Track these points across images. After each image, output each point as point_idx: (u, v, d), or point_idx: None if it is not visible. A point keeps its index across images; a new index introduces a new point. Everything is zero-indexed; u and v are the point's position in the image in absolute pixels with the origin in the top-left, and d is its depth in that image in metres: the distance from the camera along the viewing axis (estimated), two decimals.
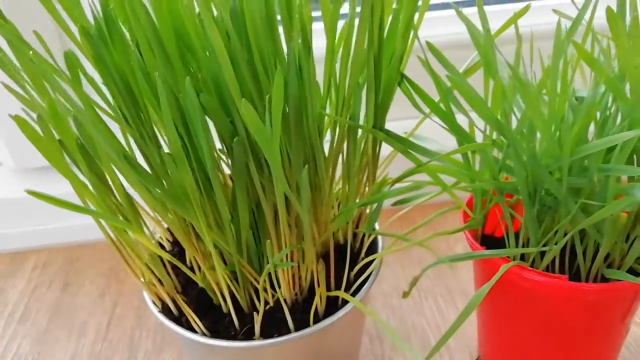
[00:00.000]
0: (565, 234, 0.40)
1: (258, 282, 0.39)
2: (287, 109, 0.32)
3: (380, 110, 0.40)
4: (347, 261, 0.42)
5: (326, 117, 0.41)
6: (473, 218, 0.47)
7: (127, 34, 0.33)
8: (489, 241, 0.51)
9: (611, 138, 0.35)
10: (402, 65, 0.41)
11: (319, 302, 0.40)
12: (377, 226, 0.49)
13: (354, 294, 0.42)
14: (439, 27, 0.70)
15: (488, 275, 0.49)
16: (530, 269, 0.43)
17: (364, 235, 0.47)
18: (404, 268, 0.73)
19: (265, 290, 0.40)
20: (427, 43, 0.40)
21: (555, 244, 0.41)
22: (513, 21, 0.48)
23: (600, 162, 0.40)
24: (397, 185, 0.47)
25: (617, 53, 0.36)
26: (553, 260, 0.44)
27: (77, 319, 0.69)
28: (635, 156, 0.42)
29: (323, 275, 0.40)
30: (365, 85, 0.38)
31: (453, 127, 0.44)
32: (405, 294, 0.51)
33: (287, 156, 0.35)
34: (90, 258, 0.78)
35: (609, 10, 0.33)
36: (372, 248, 0.48)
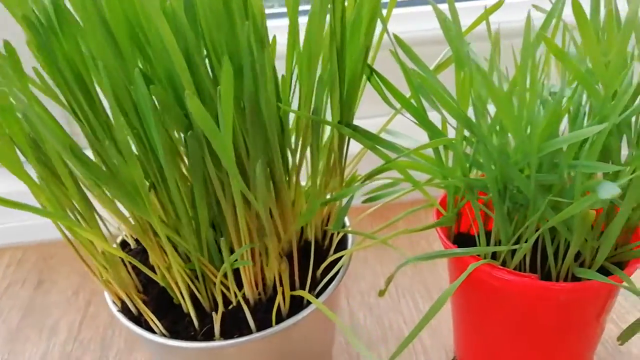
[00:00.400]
0: (536, 232, 0.40)
1: (220, 281, 0.38)
2: (244, 102, 0.31)
3: (346, 105, 0.39)
4: (312, 259, 0.41)
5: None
6: (445, 216, 0.46)
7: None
8: (465, 239, 0.50)
9: (576, 133, 0.34)
10: (371, 59, 0.40)
11: (281, 302, 0.39)
12: (347, 224, 0.48)
13: (322, 293, 0.41)
14: (415, 23, 0.69)
15: (460, 274, 0.49)
16: (501, 267, 0.42)
17: (334, 233, 0.46)
18: (383, 266, 0.72)
19: (228, 289, 0.39)
20: (396, 37, 0.39)
21: (526, 242, 0.41)
22: (485, 17, 0.46)
23: (571, 158, 0.40)
24: (376, 183, 0.46)
25: (585, 49, 0.35)
26: (525, 259, 0.43)
27: (49, 317, 0.67)
28: (608, 153, 0.41)
29: (286, 274, 0.39)
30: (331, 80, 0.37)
31: (424, 123, 0.43)
32: (381, 293, 0.50)
33: (246, 151, 0.34)
34: (64, 255, 0.77)
35: (575, 4, 0.32)
36: (344, 246, 0.47)
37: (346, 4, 0.35)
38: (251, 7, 0.28)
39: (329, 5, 0.32)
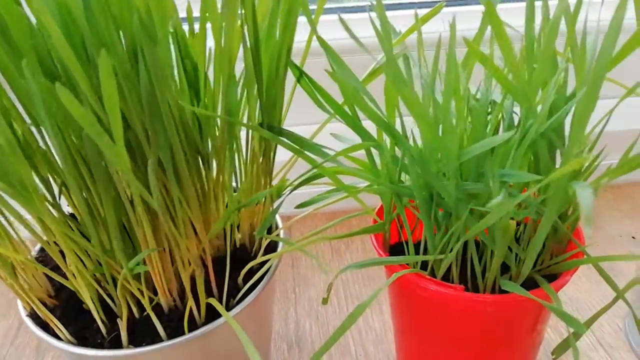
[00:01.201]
0: (460, 242, 0.38)
1: (136, 287, 0.37)
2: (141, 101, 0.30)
3: (267, 107, 0.37)
4: (228, 266, 0.39)
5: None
6: (378, 224, 0.45)
7: None
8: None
9: (485, 142, 0.33)
10: (293, 61, 0.39)
11: (195, 309, 0.37)
12: (281, 230, 0.47)
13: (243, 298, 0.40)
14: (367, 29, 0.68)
15: (393, 284, 0.47)
16: (428, 277, 0.41)
17: (262, 239, 0.45)
18: (335, 273, 0.70)
19: (143, 294, 0.38)
20: (321, 41, 0.38)
21: (451, 251, 0.39)
22: (419, 25, 0.46)
23: (497, 166, 0.39)
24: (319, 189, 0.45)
25: (505, 60, 0.34)
26: (453, 269, 0.42)
27: None
28: (538, 162, 0.40)
29: (201, 280, 0.37)
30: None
31: (356, 129, 0.42)
32: (324, 301, 0.49)
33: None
34: None
35: (490, 15, 0.31)
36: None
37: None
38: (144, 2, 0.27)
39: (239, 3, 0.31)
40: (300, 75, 0.41)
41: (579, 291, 0.66)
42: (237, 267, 0.42)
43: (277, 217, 0.49)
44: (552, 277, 0.41)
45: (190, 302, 0.36)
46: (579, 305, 0.63)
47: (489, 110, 0.41)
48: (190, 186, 0.33)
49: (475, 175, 0.39)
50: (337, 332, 0.38)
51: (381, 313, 0.64)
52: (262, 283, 0.41)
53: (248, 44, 0.34)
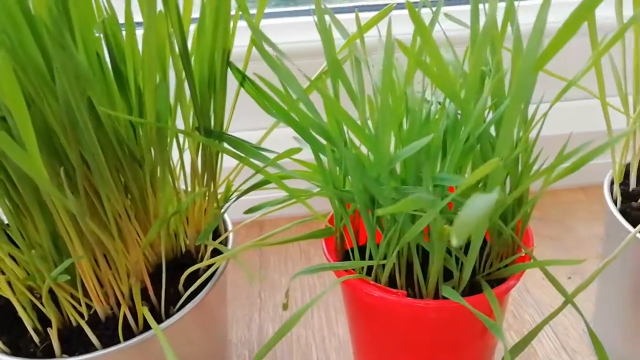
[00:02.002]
0: (399, 247, 0.38)
1: (72, 295, 0.36)
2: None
3: (203, 111, 0.37)
4: (164, 274, 0.39)
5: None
6: (327, 228, 0.45)
7: None
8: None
9: (413, 145, 0.32)
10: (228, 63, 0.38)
11: (130, 317, 0.37)
12: (230, 236, 0.46)
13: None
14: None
15: (344, 290, 0.47)
16: (372, 283, 0.40)
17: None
18: (302, 279, 0.70)
19: (79, 303, 0.37)
20: (258, 46, 0.37)
21: (392, 256, 0.39)
22: (369, 27, 0.45)
23: (435, 171, 0.38)
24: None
25: (433, 66, 0.33)
26: (397, 274, 0.42)
27: None
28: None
29: (137, 288, 0.37)
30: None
31: (302, 134, 0.41)
32: (285, 306, 0.48)
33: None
34: None
35: (416, 22, 0.31)
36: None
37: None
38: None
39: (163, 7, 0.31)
40: (243, 79, 0.41)
41: (545, 294, 0.65)
42: (182, 274, 0.42)
43: (228, 222, 0.48)
44: (503, 282, 0.41)
45: (124, 309, 0.36)
46: (543, 308, 0.63)
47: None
48: (116, 192, 0.32)
49: (415, 179, 0.38)
50: (276, 335, 0.38)
51: (345, 319, 0.63)
52: (205, 289, 0.41)
53: (176, 47, 0.34)
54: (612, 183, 0.51)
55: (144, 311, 0.35)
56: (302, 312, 0.37)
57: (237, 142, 0.40)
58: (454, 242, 0.17)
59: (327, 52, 0.39)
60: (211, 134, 0.39)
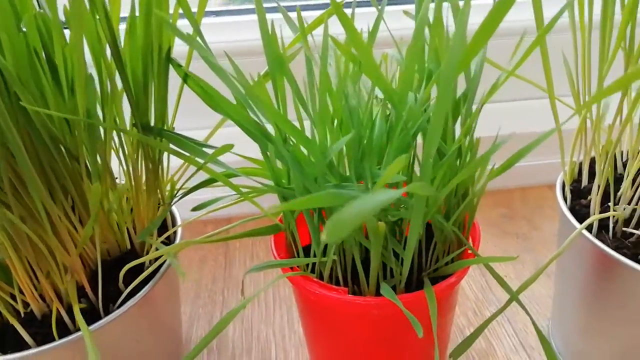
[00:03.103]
0: (341, 244, 0.38)
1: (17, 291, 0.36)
2: None
3: (140, 107, 0.37)
4: (100, 271, 0.38)
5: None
6: (273, 225, 0.45)
7: None
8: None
9: (342, 140, 0.32)
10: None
11: (65, 315, 0.36)
12: (178, 235, 0.46)
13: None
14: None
15: (294, 288, 0.47)
16: (315, 280, 0.40)
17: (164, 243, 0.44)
18: (266, 275, 0.70)
19: (15, 300, 0.37)
20: (198, 46, 0.37)
21: (333, 253, 0.39)
22: (316, 25, 0.45)
23: (375, 168, 0.38)
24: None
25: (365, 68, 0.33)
26: (343, 271, 0.42)
27: None
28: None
29: (72, 286, 0.36)
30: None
31: (247, 132, 0.41)
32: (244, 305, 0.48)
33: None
34: None
35: (344, 23, 0.31)
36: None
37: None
38: None
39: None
40: (186, 76, 0.41)
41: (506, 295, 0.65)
42: (119, 271, 0.41)
43: (178, 219, 0.48)
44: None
45: (57, 307, 0.35)
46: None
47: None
48: (45, 188, 0.32)
49: (357, 176, 0.38)
50: (209, 335, 0.37)
51: None
52: (147, 286, 0.41)
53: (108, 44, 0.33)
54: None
55: (75, 309, 0.35)
56: (236, 311, 0.37)
57: (177, 139, 0.39)
58: (324, 240, 0.17)
59: (267, 51, 0.38)
60: (150, 131, 0.38)
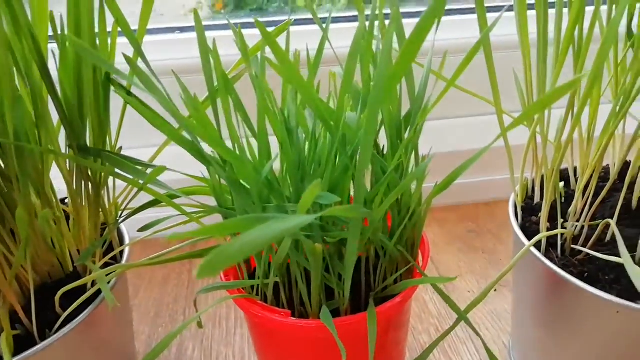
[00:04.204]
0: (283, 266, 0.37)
1: None
2: None
3: (73, 128, 0.36)
4: (32, 296, 0.37)
5: None
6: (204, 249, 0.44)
7: None
8: None
9: (270, 164, 0.32)
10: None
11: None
12: (125, 256, 0.45)
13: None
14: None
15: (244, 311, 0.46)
16: (258, 303, 0.40)
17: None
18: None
19: None
20: (125, 57, 0.36)
21: (275, 275, 0.38)
22: (263, 44, 0.45)
23: (318, 190, 0.38)
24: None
25: (299, 90, 0.33)
26: (287, 293, 0.41)
27: None
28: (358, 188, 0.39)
29: (5, 312, 0.36)
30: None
31: (193, 153, 0.41)
32: (199, 324, 0.47)
33: None
34: None
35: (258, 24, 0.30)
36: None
37: None
38: None
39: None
40: (129, 95, 0.40)
41: (475, 309, 0.65)
42: (65, 294, 0.40)
43: (126, 239, 0.47)
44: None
45: None
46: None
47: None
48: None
49: (297, 197, 0.38)
50: (150, 354, 0.37)
51: None
52: (87, 310, 0.40)
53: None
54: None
55: (4, 336, 0.34)
56: (180, 330, 0.37)
57: (117, 160, 0.39)
58: (195, 276, 0.17)
59: (205, 70, 0.38)
60: (87, 152, 0.38)
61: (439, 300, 0.67)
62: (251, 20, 0.82)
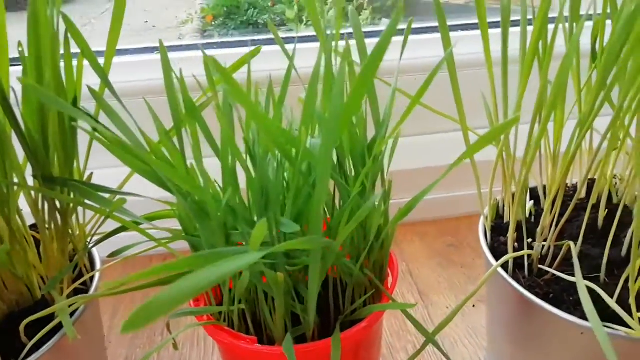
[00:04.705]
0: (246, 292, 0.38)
1: None
2: None
3: (37, 158, 0.36)
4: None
5: None
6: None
7: None
8: None
9: (227, 194, 0.32)
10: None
11: None
12: (95, 282, 0.45)
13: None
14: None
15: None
16: (226, 329, 0.40)
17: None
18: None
19: None
20: (91, 90, 0.37)
21: (239, 302, 0.38)
22: (237, 67, 0.45)
23: (279, 216, 0.38)
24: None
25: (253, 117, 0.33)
26: (252, 319, 0.41)
27: None
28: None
29: None
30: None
31: (156, 182, 0.41)
32: (175, 346, 0.47)
33: None
34: None
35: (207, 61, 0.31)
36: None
37: None
38: None
39: None
40: (96, 123, 0.40)
41: (449, 327, 0.65)
42: (35, 322, 0.40)
43: (97, 264, 0.47)
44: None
45: None
46: (444, 340, 0.63)
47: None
48: None
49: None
50: None
51: None
52: (53, 339, 0.40)
53: None
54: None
55: None
56: (154, 351, 0.37)
57: (83, 190, 0.39)
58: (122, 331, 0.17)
59: (170, 97, 0.38)
60: (53, 182, 0.38)
61: (416, 315, 0.67)
62: (243, 38, 0.82)
